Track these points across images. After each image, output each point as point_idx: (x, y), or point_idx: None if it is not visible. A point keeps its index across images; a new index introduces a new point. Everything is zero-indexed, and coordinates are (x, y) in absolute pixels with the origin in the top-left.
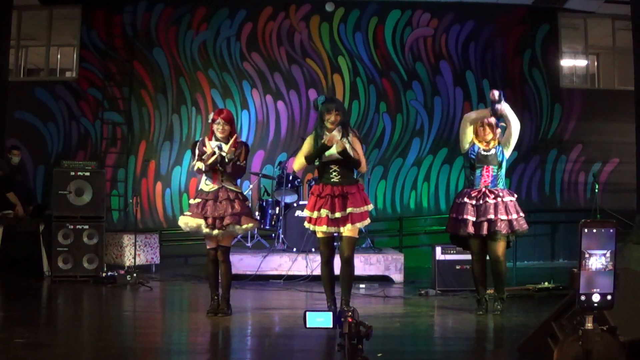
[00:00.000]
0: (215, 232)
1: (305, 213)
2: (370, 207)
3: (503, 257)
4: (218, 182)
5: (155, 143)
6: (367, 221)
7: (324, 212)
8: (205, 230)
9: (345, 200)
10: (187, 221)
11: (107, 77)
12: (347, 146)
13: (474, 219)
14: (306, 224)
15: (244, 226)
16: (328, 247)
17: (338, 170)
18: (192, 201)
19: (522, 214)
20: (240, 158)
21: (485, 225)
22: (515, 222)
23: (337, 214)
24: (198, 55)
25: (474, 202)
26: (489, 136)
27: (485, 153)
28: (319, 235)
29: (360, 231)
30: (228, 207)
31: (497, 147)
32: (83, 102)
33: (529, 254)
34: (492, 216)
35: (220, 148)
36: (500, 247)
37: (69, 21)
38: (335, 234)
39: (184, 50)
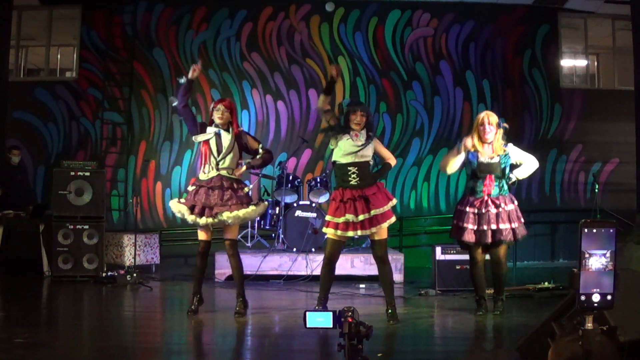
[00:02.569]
0: (202, 221)
1: (327, 218)
2: (394, 201)
3: (504, 259)
4: (213, 170)
5: (155, 143)
6: (393, 219)
7: (349, 216)
8: (190, 217)
9: (367, 202)
10: (173, 206)
11: (107, 77)
12: (370, 148)
13: (475, 227)
14: (325, 229)
15: (233, 213)
16: (337, 249)
17: (357, 172)
18: (189, 188)
19: (522, 220)
20: (251, 144)
21: (489, 233)
22: (517, 230)
23: (361, 217)
24: (198, 55)
25: (475, 210)
26: (490, 135)
27: (487, 161)
28: (333, 237)
29: None
30: (218, 196)
31: (503, 157)
32: (83, 102)
33: (529, 254)
34: (494, 226)
35: (218, 134)
36: (502, 249)
37: (69, 21)
38: (355, 237)
39: (184, 50)
